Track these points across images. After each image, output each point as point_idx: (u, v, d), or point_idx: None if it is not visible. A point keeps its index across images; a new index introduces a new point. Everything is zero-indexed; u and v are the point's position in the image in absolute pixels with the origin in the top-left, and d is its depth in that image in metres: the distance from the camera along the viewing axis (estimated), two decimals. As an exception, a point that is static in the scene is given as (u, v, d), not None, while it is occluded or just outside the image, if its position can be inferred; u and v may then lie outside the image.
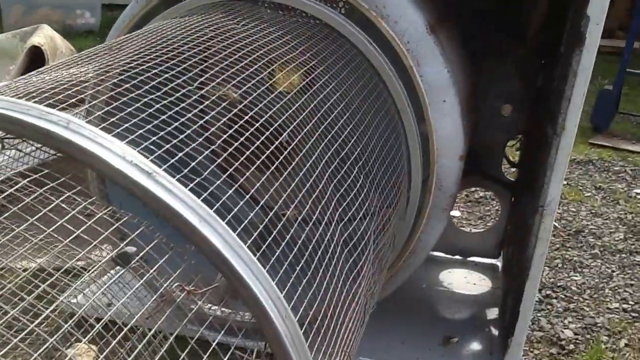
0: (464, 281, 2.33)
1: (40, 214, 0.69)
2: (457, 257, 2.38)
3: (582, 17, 1.47)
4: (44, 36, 4.17)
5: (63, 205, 0.72)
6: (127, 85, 1.10)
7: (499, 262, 2.40)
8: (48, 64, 4.00)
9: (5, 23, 6.78)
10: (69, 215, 0.70)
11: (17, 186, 0.71)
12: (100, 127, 0.91)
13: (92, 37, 6.93)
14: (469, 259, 2.40)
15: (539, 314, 2.32)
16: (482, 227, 2.98)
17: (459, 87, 1.69)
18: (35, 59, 4.10)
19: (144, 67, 1.18)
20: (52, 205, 0.70)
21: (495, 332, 2.05)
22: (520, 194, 2.15)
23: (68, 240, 0.68)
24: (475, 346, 2.00)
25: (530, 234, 1.70)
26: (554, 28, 1.96)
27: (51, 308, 0.68)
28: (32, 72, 1.18)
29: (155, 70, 1.16)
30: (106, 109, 1.03)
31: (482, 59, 2.09)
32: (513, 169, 2.37)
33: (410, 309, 2.13)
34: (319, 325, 0.97)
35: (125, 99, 1.06)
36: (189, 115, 1.06)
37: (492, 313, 2.15)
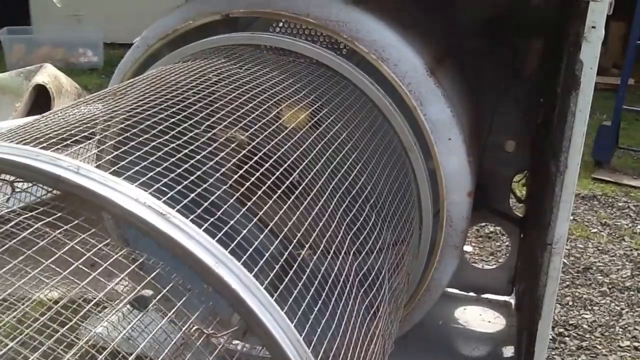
0: (479, 319, 2.30)
1: (55, 256, 0.67)
2: (472, 293, 2.35)
3: (575, 61, 1.48)
4: (48, 75, 4.22)
5: (77, 247, 0.70)
6: (135, 130, 1.09)
7: (512, 300, 2.37)
8: (54, 102, 4.05)
9: (8, 62, 6.81)
10: (85, 257, 0.68)
11: (31, 229, 0.69)
12: (110, 171, 0.90)
13: (96, 74, 6.95)
14: (482, 295, 2.37)
15: (553, 352, 2.29)
16: (494, 263, 2.96)
17: (463, 125, 1.68)
18: (40, 96, 4.14)
19: (150, 112, 1.17)
20: (67, 248, 0.69)
21: (512, 370, 2.02)
22: (529, 230, 2.14)
23: (84, 282, 0.66)
24: (494, 384, 1.97)
25: (540, 272, 1.68)
26: (550, 68, 1.97)
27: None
28: (36, 117, 1.18)
29: (162, 115, 1.16)
30: (115, 153, 1.02)
31: (484, 96, 2.09)
32: (521, 204, 2.37)
33: (429, 345, 2.10)
34: (339, 367, 0.94)
35: (133, 143, 1.05)
36: (198, 157, 1.05)
37: (508, 351, 2.12)
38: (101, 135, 1.12)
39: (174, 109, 1.19)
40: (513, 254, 2.28)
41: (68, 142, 1.03)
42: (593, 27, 1.44)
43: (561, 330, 2.46)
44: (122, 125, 1.13)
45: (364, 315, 1.09)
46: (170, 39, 1.76)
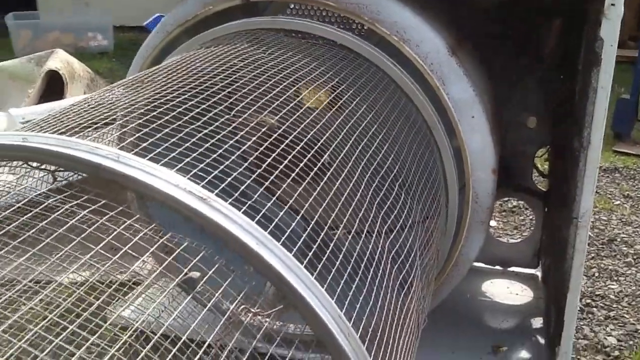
0: (507, 291, 2.31)
1: (104, 242, 0.70)
2: (498, 267, 2.36)
3: (596, 38, 1.50)
4: (60, 60, 4.19)
5: (122, 231, 0.73)
6: (167, 117, 1.11)
7: (538, 272, 2.38)
8: (67, 87, 4.03)
9: (15, 48, 6.74)
10: (132, 243, 0.70)
11: (78, 217, 0.72)
12: (148, 157, 0.92)
13: (107, 58, 6.84)
14: (509, 269, 2.38)
15: (581, 323, 2.31)
16: (519, 237, 2.97)
17: (485, 103, 1.69)
18: (52, 82, 4.13)
19: (179, 99, 1.19)
20: (116, 232, 0.71)
21: (541, 340, 2.03)
22: (553, 205, 2.14)
23: (135, 266, 0.69)
24: (524, 354, 1.99)
25: (567, 245, 1.69)
26: (570, 46, 1.97)
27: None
28: (64, 107, 1.19)
29: (192, 102, 1.18)
30: (150, 140, 1.05)
31: (504, 73, 2.09)
32: (543, 179, 2.37)
33: (457, 319, 2.12)
34: (378, 342, 0.97)
35: (167, 130, 1.07)
36: (231, 142, 1.07)
37: (537, 322, 2.14)
38: (134, 124, 1.14)
39: (203, 95, 1.21)
40: (537, 228, 2.29)
41: (103, 130, 1.05)
42: (612, 4, 1.46)
43: (588, 301, 2.47)
44: (153, 113, 1.15)
45: (398, 291, 1.11)
46: (190, 24, 1.77)
